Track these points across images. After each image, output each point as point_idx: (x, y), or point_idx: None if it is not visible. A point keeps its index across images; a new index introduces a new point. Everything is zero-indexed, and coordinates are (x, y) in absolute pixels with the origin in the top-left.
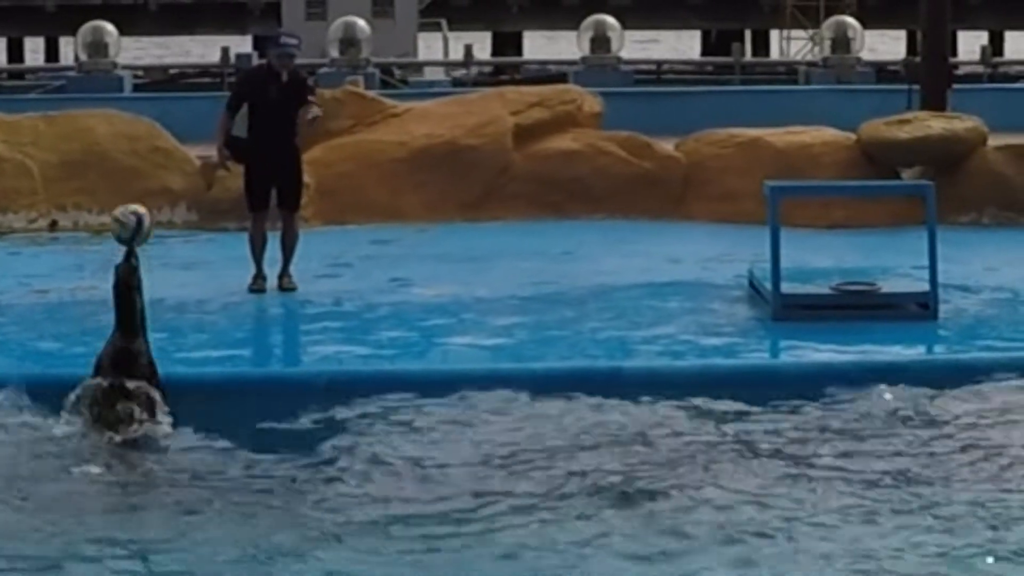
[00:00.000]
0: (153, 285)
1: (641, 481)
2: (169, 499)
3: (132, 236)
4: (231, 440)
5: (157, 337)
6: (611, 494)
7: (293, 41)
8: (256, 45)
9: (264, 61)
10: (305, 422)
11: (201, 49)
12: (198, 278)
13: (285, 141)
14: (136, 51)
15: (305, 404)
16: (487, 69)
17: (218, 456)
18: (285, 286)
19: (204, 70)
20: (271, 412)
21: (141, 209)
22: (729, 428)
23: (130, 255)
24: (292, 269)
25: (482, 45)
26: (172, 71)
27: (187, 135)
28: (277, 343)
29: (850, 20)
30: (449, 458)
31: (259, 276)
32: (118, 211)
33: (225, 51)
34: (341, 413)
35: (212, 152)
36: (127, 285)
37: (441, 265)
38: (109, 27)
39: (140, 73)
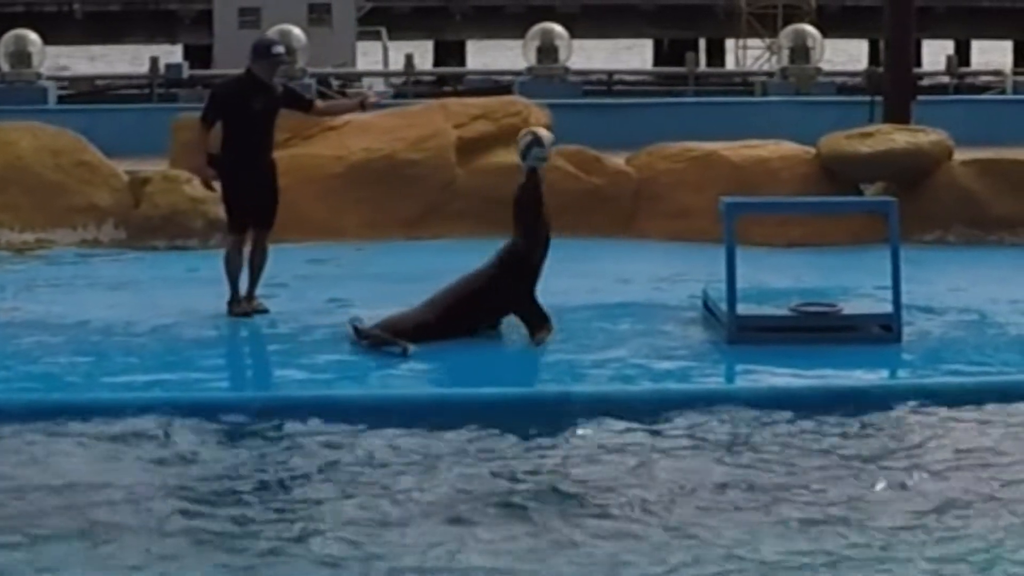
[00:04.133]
0: (78, 306)
1: (589, 508)
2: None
3: (522, 152)
4: (160, 465)
5: (82, 361)
6: (558, 520)
7: (283, 48)
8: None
9: (244, 71)
10: (239, 449)
11: (129, 59)
12: (126, 299)
13: (267, 155)
14: (61, 61)
15: (239, 429)
16: (429, 80)
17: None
18: (257, 308)
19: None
20: (204, 438)
21: (540, 131)
22: (683, 455)
23: (530, 173)
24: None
25: (423, 55)
26: (99, 82)
27: (114, 149)
28: (208, 367)
29: (809, 29)
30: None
31: (239, 299)
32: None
33: (154, 61)
34: (276, 439)
35: (141, 167)
36: (523, 198)
37: (381, 285)
38: (32, 36)
39: (65, 84)
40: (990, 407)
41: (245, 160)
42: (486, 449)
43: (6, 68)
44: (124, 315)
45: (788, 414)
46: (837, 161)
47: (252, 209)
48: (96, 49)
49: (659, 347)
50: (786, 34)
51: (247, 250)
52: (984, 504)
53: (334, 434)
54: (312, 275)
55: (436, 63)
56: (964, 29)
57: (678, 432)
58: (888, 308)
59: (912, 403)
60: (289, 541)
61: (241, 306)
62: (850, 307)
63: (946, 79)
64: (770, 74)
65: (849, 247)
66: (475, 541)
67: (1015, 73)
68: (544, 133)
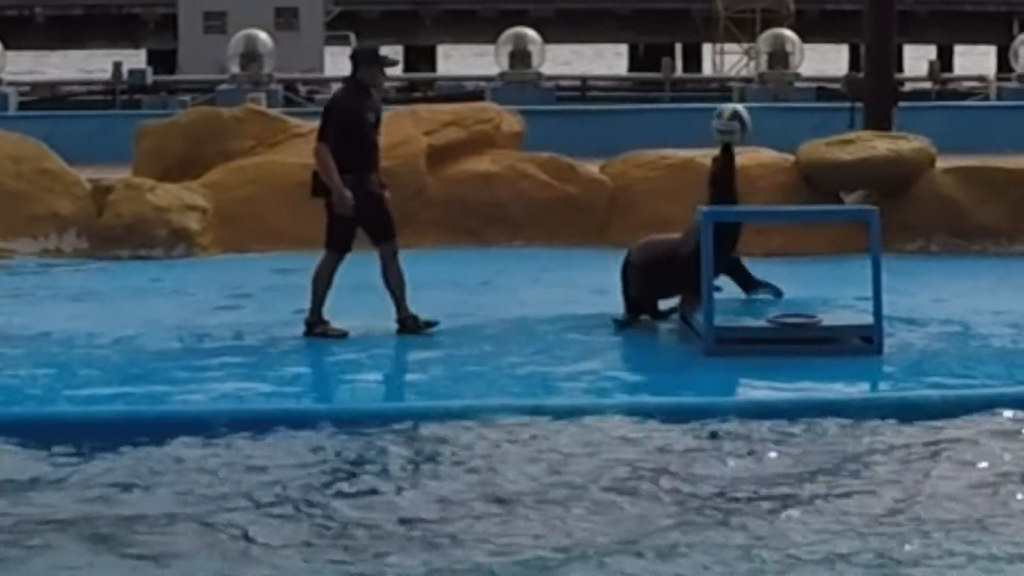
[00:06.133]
0: (39, 317)
1: (559, 523)
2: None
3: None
4: (120, 481)
5: (43, 373)
6: (523, 533)
7: (385, 50)
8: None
9: (349, 81)
10: (204, 464)
11: (92, 64)
12: (88, 310)
13: (378, 168)
14: (22, 66)
15: (204, 444)
16: (398, 85)
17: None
18: (420, 327)
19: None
20: (168, 451)
21: (724, 106)
22: (659, 469)
23: (722, 148)
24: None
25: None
26: (61, 88)
27: (77, 156)
28: (173, 380)
29: (788, 33)
30: (346, 508)
31: (322, 319)
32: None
33: (117, 66)
34: (242, 453)
35: (104, 174)
36: (713, 172)
37: (349, 296)
38: None
39: (26, 89)
40: (973, 420)
41: (363, 176)
42: (455, 464)
43: None
44: (86, 326)
45: (766, 427)
46: (817, 169)
47: (369, 230)
48: (57, 54)
49: (634, 359)
50: (764, 39)
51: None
52: (971, 517)
53: (301, 448)
54: (279, 285)
55: (406, 68)
56: (946, 34)
57: (652, 446)
58: (869, 319)
59: (893, 416)
60: (250, 556)
61: (335, 328)
62: (830, 318)
63: (928, 85)
64: (748, 80)
65: (829, 257)
66: (448, 560)
67: (998, 79)
68: (724, 107)
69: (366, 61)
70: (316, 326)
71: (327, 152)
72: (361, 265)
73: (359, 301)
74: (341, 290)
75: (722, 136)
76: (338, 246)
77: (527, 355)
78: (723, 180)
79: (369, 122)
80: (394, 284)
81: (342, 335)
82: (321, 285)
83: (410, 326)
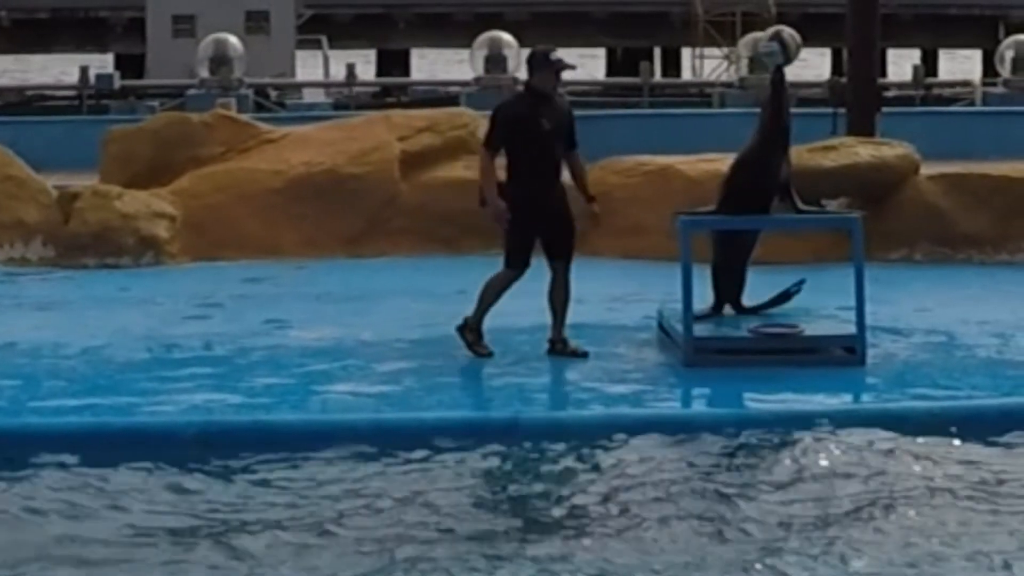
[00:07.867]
0: (4, 327)
1: (535, 538)
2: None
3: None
4: (89, 494)
5: (8, 384)
6: (500, 549)
7: (559, 53)
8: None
9: (523, 87)
10: (175, 476)
11: (59, 68)
12: (55, 319)
13: (558, 180)
14: None
15: (172, 456)
16: (372, 90)
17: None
18: (574, 350)
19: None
20: (135, 464)
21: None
22: (636, 483)
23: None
24: None
25: (366, 64)
26: (27, 92)
27: (43, 162)
28: (141, 391)
29: None
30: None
31: (482, 335)
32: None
33: (84, 71)
34: (212, 466)
35: (71, 181)
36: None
37: (321, 305)
38: None
39: None
40: (958, 433)
41: (540, 188)
42: (429, 478)
43: None
44: (52, 336)
45: (747, 440)
46: (798, 175)
47: (547, 243)
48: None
49: (612, 370)
50: (745, 43)
51: (546, 286)
52: (956, 529)
53: (271, 461)
54: (249, 294)
55: (379, 73)
56: (931, 38)
57: (631, 459)
58: (851, 329)
59: (876, 428)
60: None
61: (483, 346)
62: (812, 328)
63: (912, 90)
64: (728, 84)
65: (811, 265)
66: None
67: (984, 84)
68: (768, 33)
69: (537, 66)
70: (470, 332)
71: (487, 157)
72: (332, 275)
73: (327, 312)
74: (306, 300)
75: (767, 60)
76: (515, 264)
77: (503, 366)
78: (772, 106)
79: (544, 130)
80: (558, 303)
81: (487, 355)
82: (490, 295)
83: (559, 349)
